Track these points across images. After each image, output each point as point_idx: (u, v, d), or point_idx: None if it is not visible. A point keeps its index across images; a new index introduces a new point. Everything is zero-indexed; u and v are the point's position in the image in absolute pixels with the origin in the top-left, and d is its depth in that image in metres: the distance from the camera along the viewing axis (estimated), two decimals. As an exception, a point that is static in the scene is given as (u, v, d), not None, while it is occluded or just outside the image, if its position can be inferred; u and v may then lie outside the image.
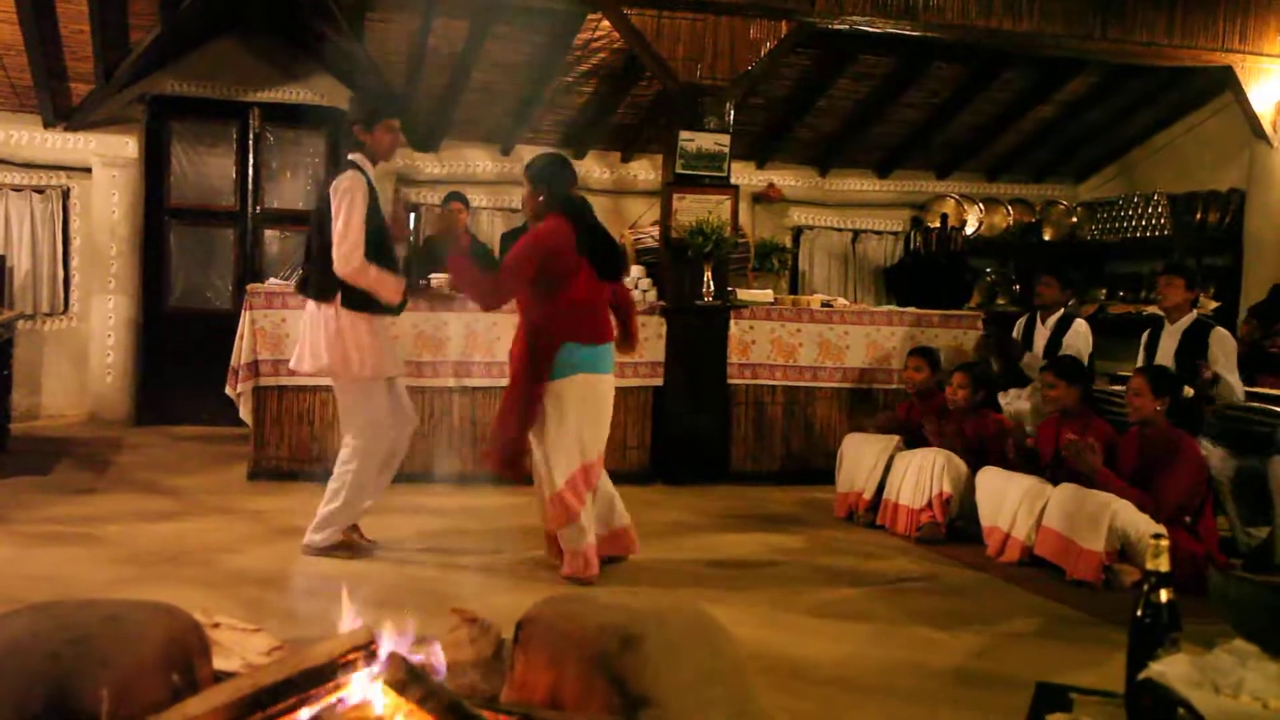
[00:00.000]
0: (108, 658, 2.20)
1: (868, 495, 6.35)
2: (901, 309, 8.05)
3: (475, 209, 9.15)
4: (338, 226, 4.89)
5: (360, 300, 4.98)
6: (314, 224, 5.13)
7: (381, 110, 5.22)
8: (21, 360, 8.29)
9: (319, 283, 5.03)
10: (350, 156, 5.12)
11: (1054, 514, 5.35)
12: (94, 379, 8.86)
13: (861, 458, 6.43)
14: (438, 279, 7.03)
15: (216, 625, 2.89)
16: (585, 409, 4.86)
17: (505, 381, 6.85)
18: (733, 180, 7.66)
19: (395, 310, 5.16)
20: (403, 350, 6.70)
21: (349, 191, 4.91)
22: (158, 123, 9.07)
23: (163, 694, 2.26)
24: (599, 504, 5.04)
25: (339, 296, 4.97)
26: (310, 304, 5.10)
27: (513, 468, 4.93)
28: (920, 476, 6.04)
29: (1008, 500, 5.60)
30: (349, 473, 5.06)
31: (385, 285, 5.00)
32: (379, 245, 4.99)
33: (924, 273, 10.22)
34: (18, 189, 8.76)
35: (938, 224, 10.40)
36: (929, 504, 5.98)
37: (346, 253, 4.87)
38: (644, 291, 7.39)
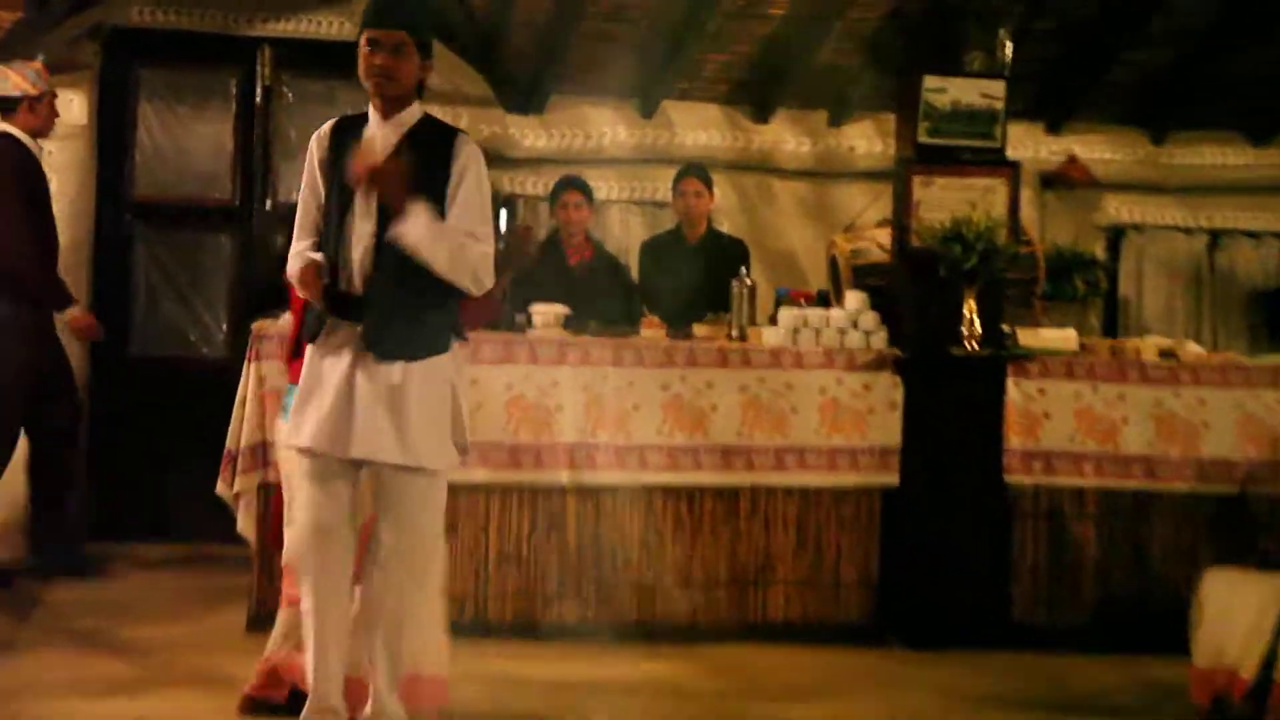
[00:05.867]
0: None
1: (1247, 674, 6.00)
2: (1299, 361, 7.89)
3: (602, 202, 9.16)
4: None
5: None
6: None
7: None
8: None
9: None
10: None
11: None
12: (11, 465, 8.84)
13: (1235, 610, 6.13)
14: (541, 312, 7.05)
15: None
16: None
17: (647, 475, 6.90)
18: (1010, 153, 7.59)
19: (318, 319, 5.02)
20: (490, 425, 6.75)
21: None
22: (118, 70, 9.24)
23: None
24: None
25: None
26: None
27: None
28: (1341, 644, 5.74)
29: None
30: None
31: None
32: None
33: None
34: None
35: (1355, 220, 10.26)
36: (1355, 691, 5.69)
37: None
38: (867, 332, 7.28)
